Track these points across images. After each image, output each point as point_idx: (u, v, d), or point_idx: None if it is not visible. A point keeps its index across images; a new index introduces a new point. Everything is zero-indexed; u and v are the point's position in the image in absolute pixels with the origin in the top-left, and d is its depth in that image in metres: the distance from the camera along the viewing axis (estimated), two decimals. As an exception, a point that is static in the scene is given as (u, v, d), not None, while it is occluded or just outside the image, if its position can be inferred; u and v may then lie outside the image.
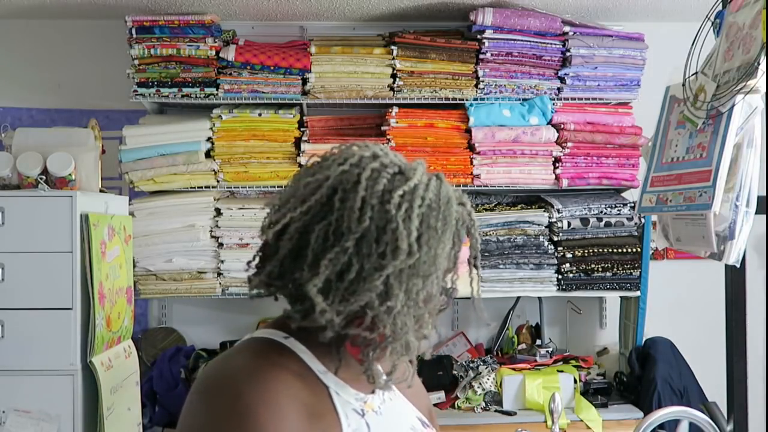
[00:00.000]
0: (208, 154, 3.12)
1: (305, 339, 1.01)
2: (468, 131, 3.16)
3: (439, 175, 1.03)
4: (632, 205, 3.19)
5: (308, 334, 1.00)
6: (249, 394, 0.91)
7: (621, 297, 3.39)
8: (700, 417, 1.67)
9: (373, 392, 1.05)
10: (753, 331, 1.87)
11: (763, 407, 2.49)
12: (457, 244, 1.03)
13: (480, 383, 3.09)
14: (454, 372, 3.18)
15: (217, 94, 3.09)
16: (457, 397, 3.10)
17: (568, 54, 3.15)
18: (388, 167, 0.99)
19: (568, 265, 3.16)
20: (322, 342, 0.98)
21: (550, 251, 3.18)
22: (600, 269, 3.17)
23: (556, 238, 3.18)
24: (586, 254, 3.16)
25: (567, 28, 3.16)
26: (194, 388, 0.96)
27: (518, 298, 3.34)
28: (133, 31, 3.04)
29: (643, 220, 3.18)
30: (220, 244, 3.12)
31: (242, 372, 0.95)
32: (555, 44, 3.17)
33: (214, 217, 3.13)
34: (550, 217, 3.18)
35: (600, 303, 3.53)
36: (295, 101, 3.15)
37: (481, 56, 3.13)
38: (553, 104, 3.21)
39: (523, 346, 3.35)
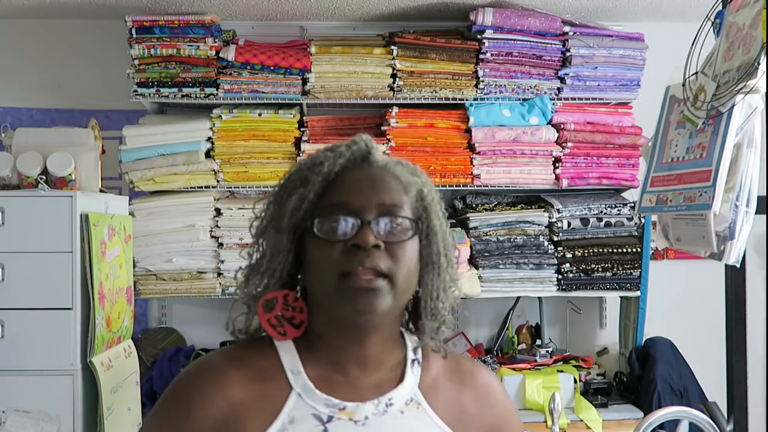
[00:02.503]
0: (208, 154, 3.12)
1: (303, 337, 1.03)
2: (468, 131, 3.16)
3: (354, 140, 1.06)
4: (632, 205, 3.19)
5: (307, 333, 1.03)
6: (172, 393, 1.02)
7: (621, 297, 3.39)
8: (700, 417, 1.67)
9: (367, 400, 1.00)
10: (753, 331, 1.86)
11: (763, 407, 2.49)
12: (298, 190, 1.03)
13: (480, 383, 3.09)
14: (454, 372, 3.17)
15: (217, 94, 3.09)
16: (457, 397, 3.09)
17: (568, 54, 3.15)
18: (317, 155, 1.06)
19: (568, 265, 3.16)
20: (314, 341, 1.03)
21: (550, 251, 3.18)
22: (600, 269, 3.17)
23: (556, 238, 3.18)
24: (586, 254, 3.16)
25: (567, 28, 3.16)
26: None
27: (518, 298, 3.34)
28: (133, 31, 3.04)
29: (643, 220, 3.18)
30: (220, 244, 3.12)
31: (187, 372, 1.04)
32: (555, 44, 3.17)
33: (214, 217, 3.13)
34: (550, 217, 3.18)
35: (600, 303, 3.52)
36: (295, 101, 3.15)
37: (481, 56, 3.13)
38: (553, 104, 3.20)
39: (523, 346, 3.35)
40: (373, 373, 1.03)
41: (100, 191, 2.65)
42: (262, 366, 1.00)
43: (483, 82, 3.15)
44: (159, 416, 1.01)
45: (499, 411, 1.12)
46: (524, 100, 3.20)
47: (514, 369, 3.11)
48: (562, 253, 3.17)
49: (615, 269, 3.18)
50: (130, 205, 2.96)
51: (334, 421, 0.97)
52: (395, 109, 3.13)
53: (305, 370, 1.01)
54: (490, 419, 1.10)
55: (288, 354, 1.01)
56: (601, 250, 3.17)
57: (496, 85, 3.17)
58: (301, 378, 1.00)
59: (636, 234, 3.20)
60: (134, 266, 2.99)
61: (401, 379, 1.04)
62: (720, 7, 1.66)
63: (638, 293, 3.20)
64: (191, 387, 0.99)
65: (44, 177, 2.45)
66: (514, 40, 3.13)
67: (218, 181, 3.13)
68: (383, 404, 1.01)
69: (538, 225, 3.19)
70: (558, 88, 3.22)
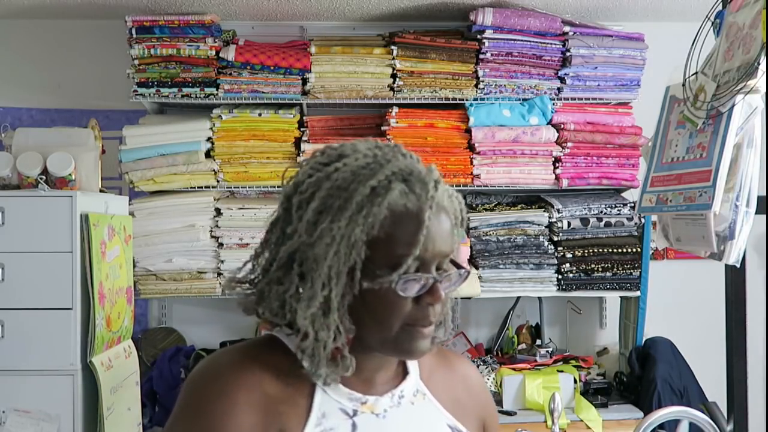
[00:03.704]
0: (208, 154, 3.12)
1: None
2: (468, 131, 3.16)
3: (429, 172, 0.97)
4: (632, 205, 3.19)
5: None
6: (209, 388, 0.97)
7: (621, 297, 3.39)
8: (700, 417, 1.67)
9: (383, 394, 1.04)
10: (753, 331, 1.87)
11: (763, 407, 2.49)
12: (366, 224, 0.92)
13: (480, 383, 3.09)
14: (454, 372, 3.17)
15: (217, 94, 3.09)
16: (457, 397, 3.09)
17: (568, 54, 3.15)
18: (327, 156, 1.00)
19: (568, 265, 3.16)
20: None
21: (550, 251, 3.18)
22: (600, 269, 3.17)
23: (556, 238, 3.18)
24: (586, 254, 3.16)
25: (567, 28, 3.16)
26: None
27: (518, 298, 3.34)
28: (133, 31, 3.04)
29: (643, 220, 3.18)
30: (220, 244, 3.12)
31: (215, 367, 1.00)
32: (555, 44, 3.17)
33: (214, 217, 3.13)
34: (550, 217, 3.18)
35: (600, 303, 3.53)
36: (295, 101, 3.15)
37: (481, 56, 3.13)
38: (553, 104, 3.21)
39: (523, 346, 3.35)
40: (383, 370, 1.06)
41: (100, 191, 2.65)
42: (281, 364, 1.00)
43: (483, 82, 3.15)
44: (200, 417, 0.96)
45: (483, 400, 1.18)
46: (524, 100, 3.20)
47: (514, 369, 3.11)
48: (562, 253, 3.17)
49: (615, 269, 3.18)
50: (130, 205, 2.96)
51: (359, 415, 1.00)
52: (395, 109, 3.13)
53: None
54: (479, 409, 1.16)
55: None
56: (601, 250, 3.17)
57: (496, 85, 3.17)
58: None
59: (636, 234, 3.20)
60: (134, 266, 2.99)
61: (405, 372, 1.09)
62: (720, 7, 1.66)
63: (638, 293, 3.20)
64: (230, 385, 0.96)
65: (44, 177, 2.45)
66: (514, 40, 3.13)
67: (218, 181, 3.13)
68: (396, 397, 1.05)
69: (538, 225, 3.19)
70: (558, 88, 3.22)
